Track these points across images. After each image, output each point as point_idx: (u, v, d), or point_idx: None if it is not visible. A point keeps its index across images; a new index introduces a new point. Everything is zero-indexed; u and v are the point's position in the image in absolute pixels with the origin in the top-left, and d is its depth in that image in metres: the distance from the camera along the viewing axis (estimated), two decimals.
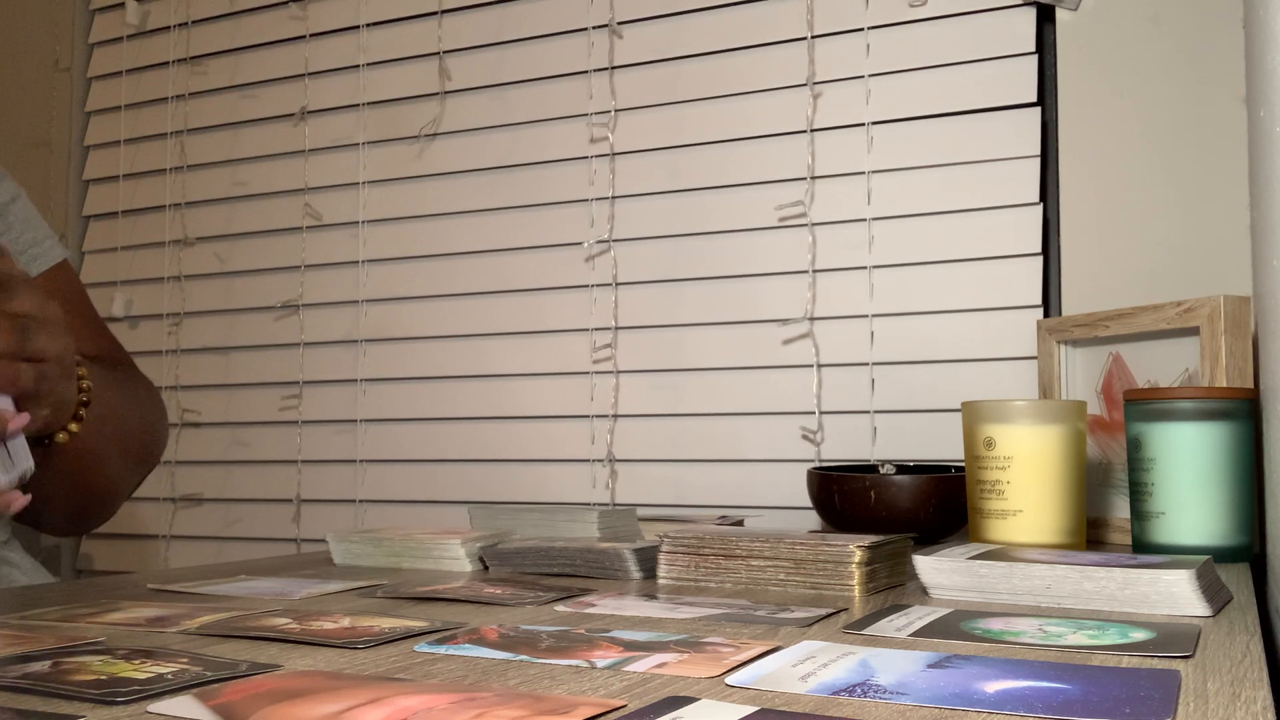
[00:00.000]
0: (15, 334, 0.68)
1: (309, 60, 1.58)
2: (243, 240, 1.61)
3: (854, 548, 0.72)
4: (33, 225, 0.96)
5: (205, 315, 1.63)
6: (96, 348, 0.98)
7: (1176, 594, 0.61)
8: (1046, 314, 1.20)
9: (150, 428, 0.97)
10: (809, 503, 1.09)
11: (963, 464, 0.97)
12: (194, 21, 1.66)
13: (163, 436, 1.00)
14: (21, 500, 0.67)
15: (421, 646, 0.53)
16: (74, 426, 0.78)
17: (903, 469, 1.08)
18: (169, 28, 1.68)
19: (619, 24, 1.40)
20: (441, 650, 0.52)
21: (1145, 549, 0.86)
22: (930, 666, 0.47)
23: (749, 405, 1.31)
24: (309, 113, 1.57)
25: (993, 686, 0.43)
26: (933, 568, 0.68)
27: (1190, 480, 0.84)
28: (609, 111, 1.40)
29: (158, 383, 1.63)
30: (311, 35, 1.58)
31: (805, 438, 1.27)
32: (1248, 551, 0.85)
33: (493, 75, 1.47)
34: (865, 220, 1.26)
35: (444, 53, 1.49)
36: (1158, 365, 1.01)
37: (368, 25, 1.55)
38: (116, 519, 1.08)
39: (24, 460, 0.68)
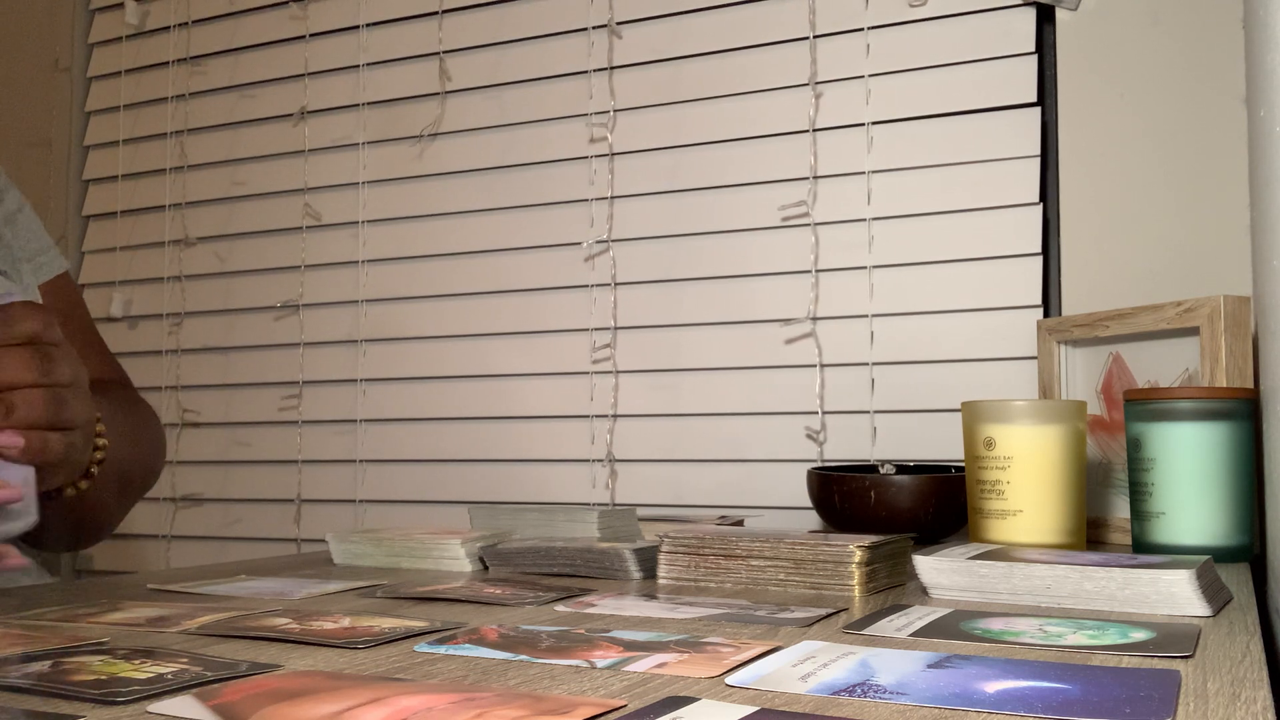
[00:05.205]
0: (51, 405, 0.68)
1: (309, 60, 1.58)
2: (243, 240, 1.61)
3: (854, 548, 0.72)
4: (37, 235, 0.98)
5: (205, 315, 1.63)
6: (95, 368, 0.98)
7: (1176, 594, 0.61)
8: (1046, 314, 1.20)
9: (150, 465, 0.97)
10: (809, 503, 1.09)
11: (963, 464, 0.97)
12: (194, 21, 1.66)
13: (160, 468, 1.01)
14: (16, 561, 0.68)
15: (421, 646, 0.53)
16: (83, 485, 0.78)
17: (903, 469, 1.08)
18: (169, 28, 1.68)
19: (619, 24, 1.40)
20: (441, 650, 0.52)
21: (1145, 549, 0.86)
22: (930, 666, 0.47)
23: (749, 405, 1.31)
24: (309, 113, 1.57)
25: (993, 686, 0.43)
26: (933, 568, 0.68)
27: (1190, 480, 0.84)
28: (608, 111, 1.40)
29: (157, 383, 1.63)
30: (311, 35, 1.58)
31: (810, 437, 1.27)
32: (1248, 551, 0.85)
33: (492, 75, 1.47)
34: (865, 220, 1.26)
35: (444, 53, 1.49)
36: (1158, 365, 1.01)
37: (368, 25, 1.55)
38: None
39: (26, 514, 0.68)
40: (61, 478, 0.73)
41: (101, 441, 0.79)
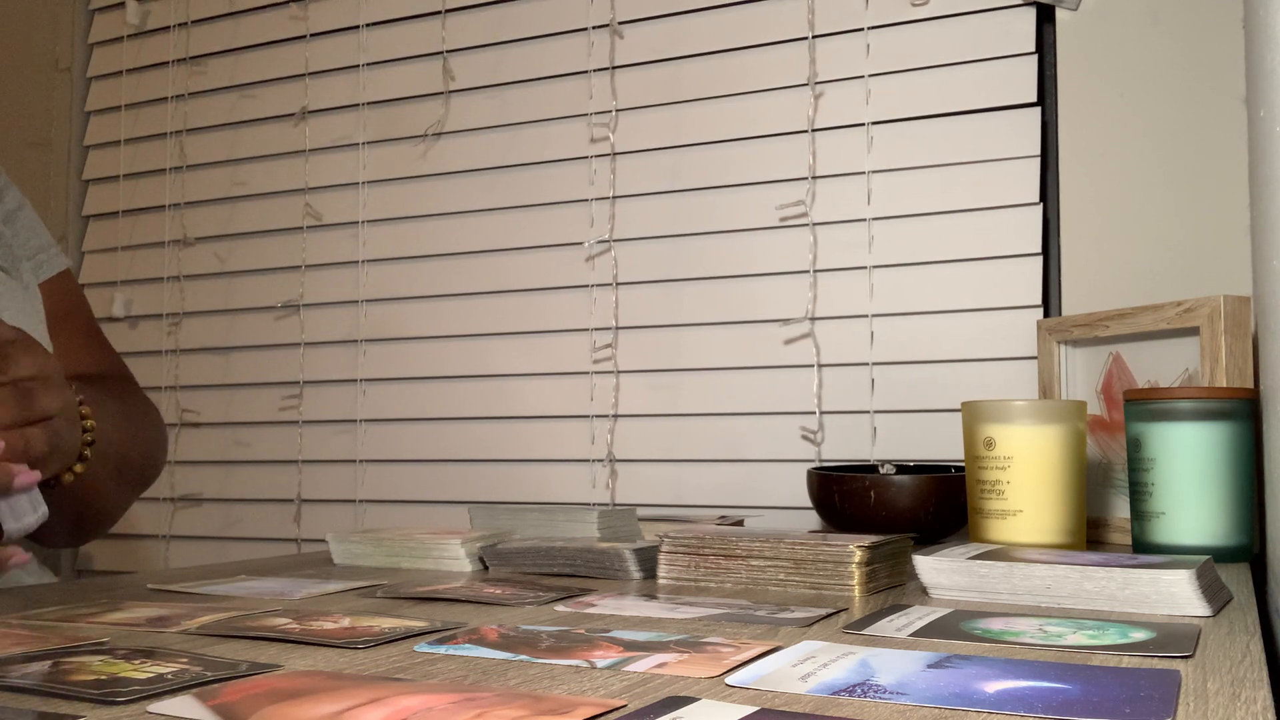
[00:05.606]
0: (18, 401, 0.68)
1: (309, 60, 1.58)
2: (243, 240, 1.61)
3: (854, 548, 0.72)
4: (38, 233, 0.98)
5: (205, 315, 1.63)
6: (97, 362, 0.99)
7: (1176, 594, 0.61)
8: (1046, 314, 1.20)
9: (149, 452, 0.97)
10: (809, 503, 1.09)
11: (963, 464, 0.97)
12: (194, 21, 1.66)
13: (161, 457, 1.01)
14: (20, 559, 0.68)
15: (421, 646, 0.53)
16: (79, 468, 0.78)
17: (903, 469, 1.08)
18: (169, 28, 1.68)
19: (620, 24, 1.40)
20: (441, 650, 0.52)
21: (1145, 549, 0.86)
22: (930, 666, 0.47)
23: (749, 405, 1.31)
24: (309, 113, 1.57)
25: (993, 686, 0.43)
26: (933, 568, 0.68)
27: (1190, 480, 0.84)
28: (609, 111, 1.40)
29: (157, 383, 1.63)
30: (311, 35, 1.58)
31: (805, 438, 1.27)
32: (1248, 551, 0.85)
33: (493, 75, 1.47)
34: (865, 220, 1.26)
35: (447, 52, 1.49)
36: (1158, 365, 1.01)
37: (368, 25, 1.55)
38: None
39: (38, 508, 0.69)
40: (56, 466, 0.73)
41: (89, 423, 0.79)
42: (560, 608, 0.65)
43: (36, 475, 0.68)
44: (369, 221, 1.53)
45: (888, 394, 1.25)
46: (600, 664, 0.48)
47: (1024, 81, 1.21)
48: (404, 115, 1.52)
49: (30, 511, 0.68)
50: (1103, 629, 0.56)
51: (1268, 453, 0.79)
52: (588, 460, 1.39)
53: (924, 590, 0.69)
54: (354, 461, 1.52)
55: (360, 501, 1.51)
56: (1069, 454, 0.90)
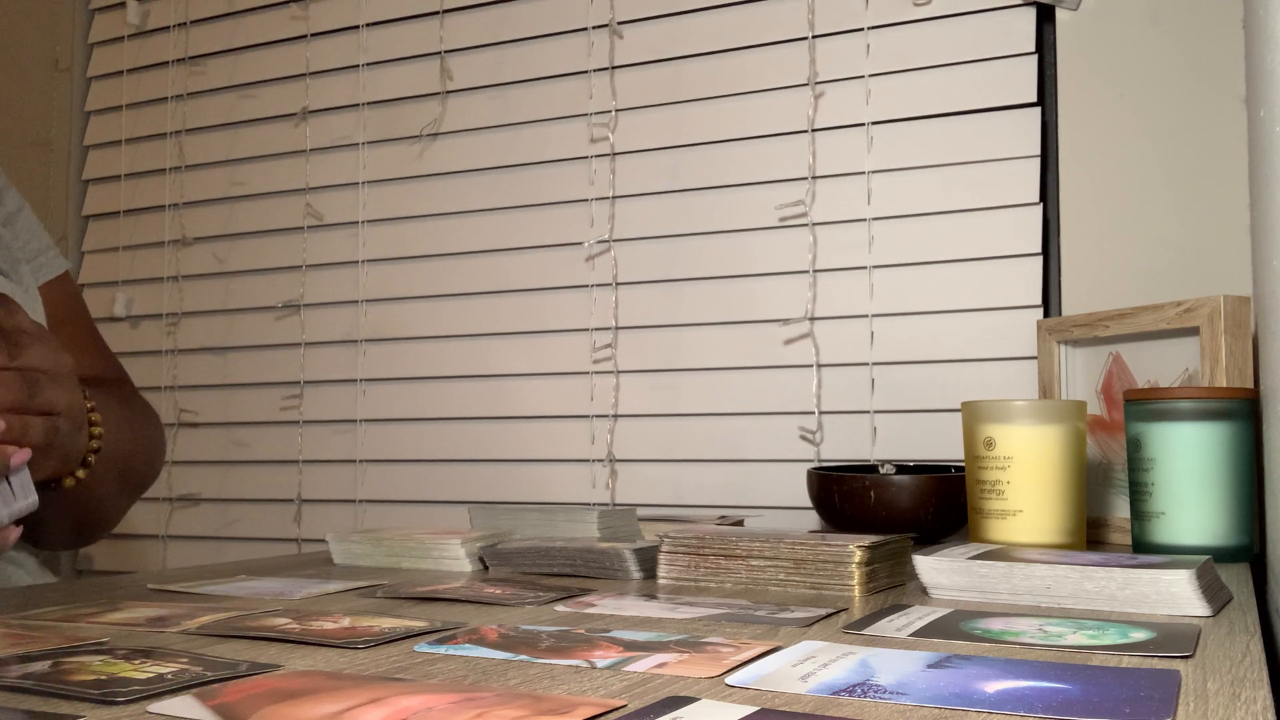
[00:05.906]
0: (23, 388, 0.68)
1: (309, 60, 1.58)
2: (242, 240, 1.61)
3: (854, 548, 0.72)
4: (37, 235, 0.98)
5: (204, 315, 1.63)
6: (96, 365, 0.99)
7: (1176, 594, 0.61)
8: (1046, 314, 1.20)
9: (151, 458, 0.98)
10: (809, 503, 1.09)
11: (963, 464, 0.97)
12: (194, 21, 1.66)
13: (160, 463, 1.01)
14: (15, 534, 0.68)
15: (421, 646, 0.53)
16: (81, 473, 0.78)
17: (903, 469, 1.08)
18: (169, 28, 1.68)
19: (619, 24, 1.40)
20: (441, 650, 0.52)
21: (1145, 549, 0.86)
22: (930, 666, 0.47)
23: (749, 405, 1.31)
24: (309, 113, 1.57)
25: (993, 686, 0.43)
26: (933, 568, 0.68)
27: (1190, 480, 0.84)
28: (609, 111, 1.40)
29: (156, 383, 1.63)
30: (312, 35, 1.58)
31: (804, 438, 1.27)
32: (1248, 551, 0.85)
33: (493, 75, 1.47)
34: (865, 220, 1.26)
35: (445, 52, 1.49)
36: (1158, 365, 1.01)
37: (368, 25, 1.55)
38: None
39: (27, 495, 0.68)
40: (54, 465, 0.73)
41: (97, 430, 0.79)
42: (560, 608, 0.65)
43: (27, 453, 0.67)
44: (369, 221, 1.53)
45: (888, 394, 1.25)
46: (600, 664, 0.48)
47: (1024, 81, 1.21)
48: (404, 115, 1.52)
49: (21, 497, 0.68)
50: (1103, 629, 0.56)
51: (1268, 453, 0.79)
52: (588, 460, 1.39)
53: (924, 590, 0.69)
54: (354, 461, 1.52)
55: (360, 501, 1.51)
56: (1069, 454, 0.90)
